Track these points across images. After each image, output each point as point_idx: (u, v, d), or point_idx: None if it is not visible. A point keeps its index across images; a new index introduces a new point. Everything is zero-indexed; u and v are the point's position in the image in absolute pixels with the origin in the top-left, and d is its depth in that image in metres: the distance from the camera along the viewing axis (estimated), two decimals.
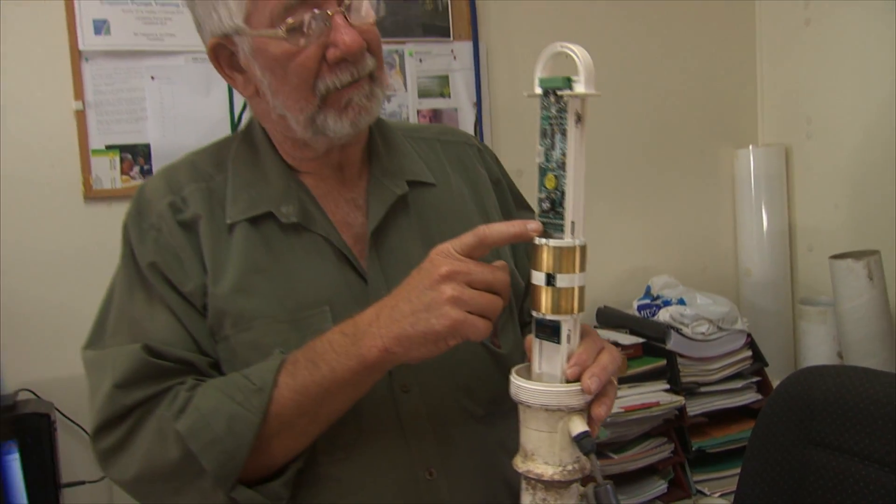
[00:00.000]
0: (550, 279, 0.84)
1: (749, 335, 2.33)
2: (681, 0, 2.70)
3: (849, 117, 2.48)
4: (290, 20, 0.95)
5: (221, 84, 2.14)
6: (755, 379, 2.33)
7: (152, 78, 2.11)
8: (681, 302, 2.36)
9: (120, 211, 2.01)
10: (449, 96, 2.42)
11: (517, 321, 1.15)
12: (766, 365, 2.34)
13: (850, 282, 2.20)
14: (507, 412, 1.04)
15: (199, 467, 0.92)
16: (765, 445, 1.39)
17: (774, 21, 2.74)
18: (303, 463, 0.98)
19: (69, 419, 1.98)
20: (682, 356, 2.22)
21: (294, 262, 1.03)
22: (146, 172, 2.10)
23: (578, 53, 0.80)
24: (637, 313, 2.42)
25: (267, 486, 0.96)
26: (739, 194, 2.76)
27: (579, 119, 0.82)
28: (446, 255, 0.87)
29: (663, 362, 2.21)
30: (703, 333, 2.24)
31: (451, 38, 2.42)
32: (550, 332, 0.85)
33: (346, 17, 0.97)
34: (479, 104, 2.44)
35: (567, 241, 0.83)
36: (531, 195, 1.25)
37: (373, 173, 1.10)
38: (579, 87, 0.80)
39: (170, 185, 1.07)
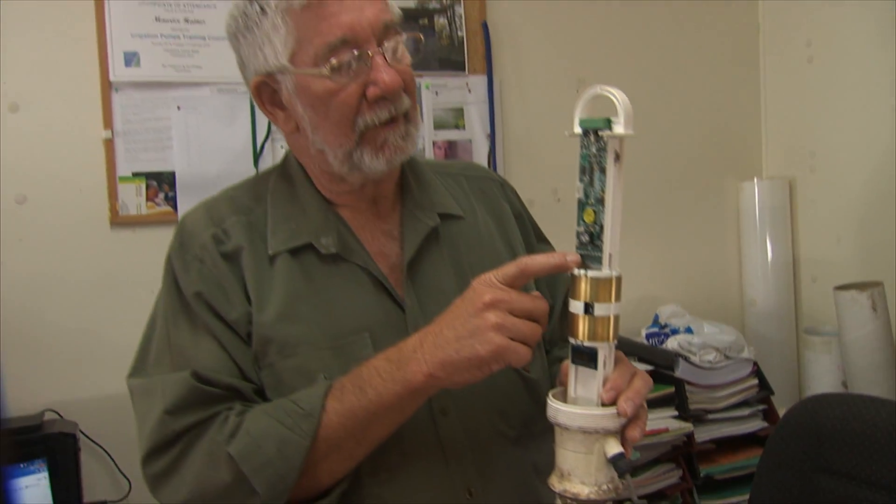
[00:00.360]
0: (588, 308, 0.87)
1: (755, 363, 2.34)
2: (687, 36, 2.75)
3: (851, 151, 2.51)
4: (333, 60, 0.99)
5: (245, 114, 2.18)
6: (761, 407, 2.34)
7: (179, 108, 2.14)
8: (688, 331, 2.37)
9: (144, 237, 2.10)
10: (463, 128, 2.45)
11: (543, 348, 1.19)
12: (773, 393, 2.35)
13: (855, 312, 2.21)
14: (537, 434, 1.08)
15: (248, 489, 0.95)
16: (773, 472, 1.41)
17: (778, 58, 2.78)
18: (347, 485, 1.00)
19: (91, 440, 2.00)
20: (689, 384, 2.23)
21: (334, 291, 1.06)
22: (171, 199, 2.13)
23: (618, 96, 0.85)
24: (645, 341, 2.44)
25: None
26: (744, 226, 2.78)
27: (618, 158, 0.86)
28: (489, 285, 0.91)
29: (671, 389, 2.22)
30: (710, 361, 2.25)
31: (467, 72, 2.46)
32: (587, 358, 0.89)
33: (385, 58, 1.01)
34: (492, 135, 2.47)
35: (605, 272, 0.87)
36: (542, 224, 1.30)
37: (406, 206, 1.14)
38: (619, 128, 0.85)
39: (211, 217, 1.09)
